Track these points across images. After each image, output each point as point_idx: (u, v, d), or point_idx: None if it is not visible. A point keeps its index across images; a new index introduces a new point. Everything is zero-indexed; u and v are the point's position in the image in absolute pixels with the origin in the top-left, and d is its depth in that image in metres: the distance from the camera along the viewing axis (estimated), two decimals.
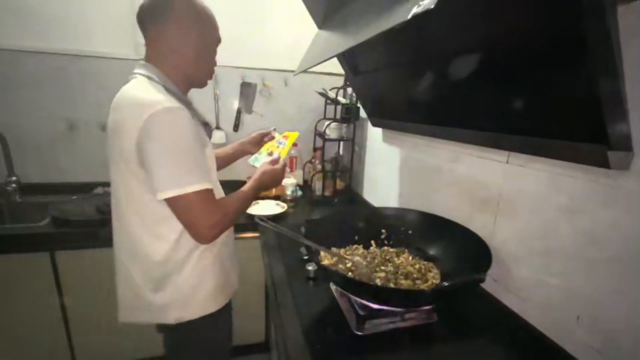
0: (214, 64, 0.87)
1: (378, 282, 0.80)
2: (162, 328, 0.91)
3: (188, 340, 0.88)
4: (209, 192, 0.72)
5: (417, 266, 0.87)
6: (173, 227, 0.76)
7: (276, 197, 1.71)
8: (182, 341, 0.89)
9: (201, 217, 0.70)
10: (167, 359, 0.94)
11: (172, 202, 0.69)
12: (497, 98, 0.73)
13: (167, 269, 0.80)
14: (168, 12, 0.74)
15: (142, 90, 0.71)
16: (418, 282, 0.80)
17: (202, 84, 0.87)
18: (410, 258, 0.91)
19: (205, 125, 0.87)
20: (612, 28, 0.47)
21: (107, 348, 1.44)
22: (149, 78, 0.75)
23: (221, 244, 0.89)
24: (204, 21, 0.78)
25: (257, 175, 0.88)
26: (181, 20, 0.75)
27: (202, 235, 0.72)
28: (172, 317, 0.83)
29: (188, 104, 0.79)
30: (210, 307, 0.87)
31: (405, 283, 0.80)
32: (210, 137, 0.89)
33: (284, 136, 1.06)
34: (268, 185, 0.90)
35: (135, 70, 0.77)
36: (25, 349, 1.34)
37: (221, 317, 0.91)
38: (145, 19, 0.76)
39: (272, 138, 1.10)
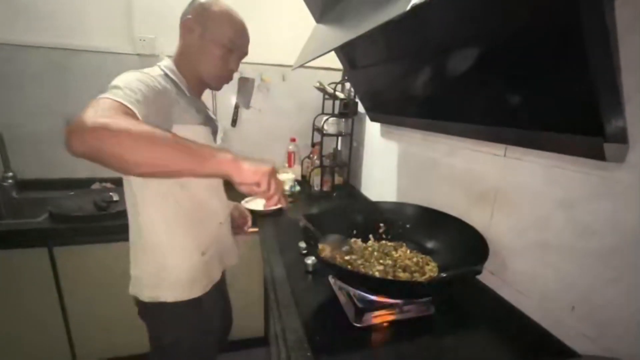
0: (224, 69, 0.86)
1: (377, 274, 0.80)
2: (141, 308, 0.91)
3: (158, 324, 0.90)
4: (120, 105, 0.58)
5: (414, 259, 0.87)
6: (150, 201, 0.79)
7: None
8: (152, 324, 0.92)
9: (89, 110, 0.55)
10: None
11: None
12: (495, 92, 0.73)
13: (138, 244, 0.83)
14: (185, 13, 0.82)
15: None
16: (416, 275, 0.81)
17: (212, 86, 0.89)
18: (408, 252, 0.92)
19: (210, 120, 0.90)
20: (609, 21, 0.47)
21: (107, 342, 1.45)
22: (158, 65, 0.81)
23: (211, 235, 0.91)
24: (211, 24, 0.79)
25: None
26: (189, 21, 0.80)
27: (73, 128, 0.52)
28: (146, 294, 0.85)
29: (191, 100, 0.83)
30: (182, 295, 0.86)
31: (403, 276, 0.80)
32: (216, 131, 0.92)
33: None
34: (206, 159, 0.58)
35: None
36: (25, 345, 1.35)
37: (195, 312, 0.89)
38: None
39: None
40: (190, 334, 0.91)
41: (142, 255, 0.85)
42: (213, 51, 0.82)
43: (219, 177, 0.62)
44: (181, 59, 0.83)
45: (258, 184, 0.62)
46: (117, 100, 0.58)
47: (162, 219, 0.82)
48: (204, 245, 0.89)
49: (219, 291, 1.02)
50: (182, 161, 0.55)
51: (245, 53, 0.90)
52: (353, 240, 0.97)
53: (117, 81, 0.64)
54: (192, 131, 0.78)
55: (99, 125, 0.51)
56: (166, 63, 0.83)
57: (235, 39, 0.83)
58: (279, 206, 0.69)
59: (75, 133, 0.50)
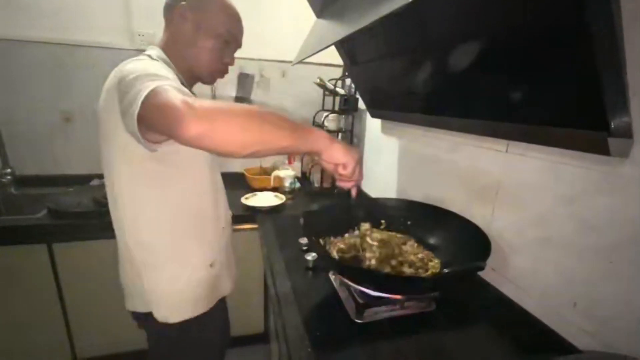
0: (220, 61, 0.81)
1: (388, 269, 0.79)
2: (141, 322, 0.88)
3: (166, 341, 0.85)
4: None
5: (419, 255, 0.87)
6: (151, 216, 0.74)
7: (274, 189, 1.71)
8: (159, 341, 0.87)
9: (175, 96, 0.51)
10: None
11: (146, 110, 0.52)
12: (497, 87, 0.73)
13: (134, 259, 0.77)
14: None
15: (129, 61, 0.68)
16: (420, 271, 0.81)
17: (205, 79, 0.83)
18: (415, 246, 0.91)
19: None
20: (615, 14, 0.47)
21: (107, 339, 1.45)
22: (149, 57, 0.72)
23: (216, 242, 0.88)
24: (208, 12, 0.75)
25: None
26: (182, 7, 0.74)
27: (183, 111, 0.48)
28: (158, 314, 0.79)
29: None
30: (187, 313, 0.81)
31: (408, 271, 0.80)
32: None
33: None
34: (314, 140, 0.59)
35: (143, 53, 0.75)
36: (25, 341, 1.35)
37: (202, 323, 0.85)
38: (164, 7, 0.78)
39: None
40: (192, 351, 0.86)
41: (142, 271, 0.77)
42: (208, 42, 0.77)
43: (310, 153, 0.62)
44: (171, 49, 0.76)
45: (345, 166, 0.63)
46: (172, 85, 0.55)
47: (165, 229, 0.76)
48: (210, 255, 0.85)
49: (222, 306, 0.97)
50: (286, 138, 0.55)
51: (240, 45, 0.85)
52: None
53: (146, 69, 0.60)
54: None
55: (210, 109, 0.50)
56: (157, 52, 0.75)
57: (232, 29, 0.79)
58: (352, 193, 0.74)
59: (188, 117, 0.48)
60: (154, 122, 0.54)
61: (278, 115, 0.56)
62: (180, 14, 0.74)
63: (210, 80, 0.83)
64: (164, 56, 0.75)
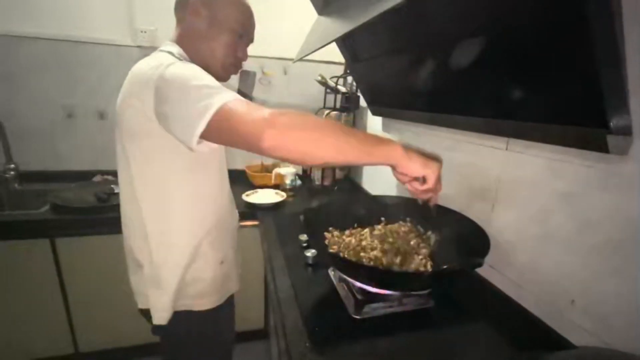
0: (233, 56, 0.80)
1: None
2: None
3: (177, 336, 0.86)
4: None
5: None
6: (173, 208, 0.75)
7: (275, 186, 1.71)
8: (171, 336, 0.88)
9: (248, 112, 0.53)
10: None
11: (214, 127, 0.54)
12: (497, 84, 0.73)
13: (155, 262, 0.77)
14: None
15: (154, 58, 0.66)
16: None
17: (220, 75, 0.79)
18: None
19: None
20: (616, 10, 0.47)
21: (109, 333, 1.46)
22: (169, 52, 0.71)
23: (228, 245, 0.92)
24: (220, 7, 0.74)
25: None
26: (195, 3, 0.73)
27: (260, 126, 0.51)
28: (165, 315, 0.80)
29: None
30: (200, 305, 0.84)
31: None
32: None
33: None
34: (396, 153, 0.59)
35: (159, 49, 0.74)
36: (27, 335, 1.36)
37: (215, 318, 0.88)
38: (175, 4, 0.77)
39: None
40: (205, 345, 0.89)
41: (162, 273, 0.77)
42: (222, 37, 0.76)
43: (383, 165, 0.60)
44: (185, 46, 0.75)
45: (425, 179, 0.61)
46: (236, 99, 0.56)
47: (189, 232, 0.79)
48: (222, 253, 0.88)
49: (231, 301, 1.01)
50: (357, 152, 0.56)
51: (252, 40, 0.84)
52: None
53: (195, 76, 0.59)
54: None
55: (286, 122, 0.53)
56: (176, 49, 0.74)
57: (244, 23, 0.78)
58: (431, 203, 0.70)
59: (266, 131, 0.51)
60: (224, 138, 0.56)
61: (349, 129, 0.57)
62: (193, 10, 0.73)
63: (224, 75, 0.82)
64: (184, 54, 0.74)
